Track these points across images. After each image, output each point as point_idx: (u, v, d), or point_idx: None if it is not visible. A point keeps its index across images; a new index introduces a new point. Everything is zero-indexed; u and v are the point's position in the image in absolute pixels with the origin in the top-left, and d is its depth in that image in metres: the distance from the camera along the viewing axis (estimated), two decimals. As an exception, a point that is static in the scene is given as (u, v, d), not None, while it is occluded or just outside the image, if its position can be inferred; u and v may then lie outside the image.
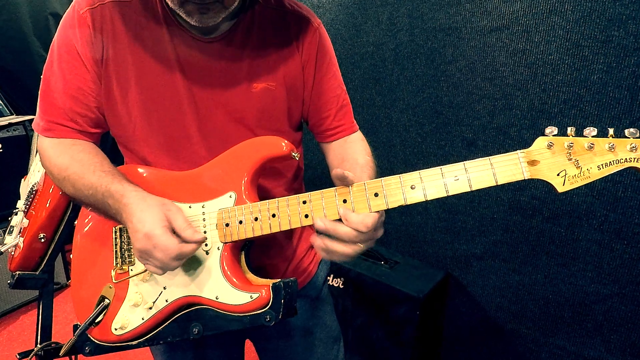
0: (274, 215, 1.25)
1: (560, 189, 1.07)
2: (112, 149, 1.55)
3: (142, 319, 1.35)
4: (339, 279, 2.92)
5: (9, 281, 2.28)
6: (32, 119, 2.89)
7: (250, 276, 1.32)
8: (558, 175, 1.07)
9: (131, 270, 1.39)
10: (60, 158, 1.38)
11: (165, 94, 1.38)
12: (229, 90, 1.41)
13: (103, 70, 1.36)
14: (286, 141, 1.34)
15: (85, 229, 1.50)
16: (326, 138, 1.62)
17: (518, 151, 1.09)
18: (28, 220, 2.31)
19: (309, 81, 1.52)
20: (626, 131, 1.01)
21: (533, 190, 2.47)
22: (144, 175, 1.43)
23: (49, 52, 1.40)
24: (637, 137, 1.02)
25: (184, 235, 1.22)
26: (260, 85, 1.44)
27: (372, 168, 1.43)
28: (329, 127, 1.59)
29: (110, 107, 1.40)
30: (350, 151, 1.54)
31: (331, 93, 1.57)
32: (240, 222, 1.28)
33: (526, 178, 1.08)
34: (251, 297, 1.24)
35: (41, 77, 1.42)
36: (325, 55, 1.54)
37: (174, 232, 1.22)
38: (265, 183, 1.52)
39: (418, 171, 1.14)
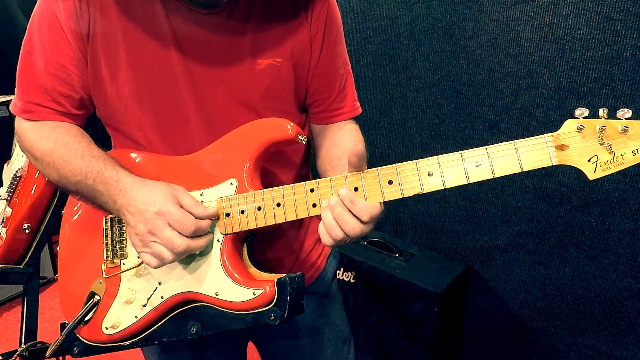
0: (278, 205, 1.25)
1: (592, 176, 1.06)
2: (102, 132, 1.55)
3: (136, 317, 1.35)
4: (349, 273, 2.92)
5: (-10, 275, 2.30)
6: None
7: (253, 271, 1.32)
8: (589, 161, 1.06)
9: (123, 264, 1.39)
10: (43, 142, 1.37)
11: (160, 72, 1.37)
12: (230, 68, 1.39)
13: (89, 47, 1.34)
14: (292, 123, 1.33)
15: (74, 219, 1.50)
16: (322, 120, 1.60)
17: (545, 135, 1.08)
18: (11, 209, 2.32)
19: (315, 57, 1.50)
20: (664, 112, 1.00)
21: (561, 177, 2.46)
22: (137, 160, 1.43)
23: (28, 26, 1.38)
24: (676, 119, 1.01)
25: (195, 212, 1.24)
26: (265, 62, 1.41)
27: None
28: (328, 109, 1.58)
29: (97, 87, 1.39)
30: (343, 138, 1.53)
31: (335, 72, 1.55)
32: (242, 211, 1.28)
33: (554, 164, 1.07)
34: (254, 293, 1.24)
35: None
36: (333, 28, 1.51)
37: None
38: (272, 168, 1.51)
39: (436, 156, 1.14)
